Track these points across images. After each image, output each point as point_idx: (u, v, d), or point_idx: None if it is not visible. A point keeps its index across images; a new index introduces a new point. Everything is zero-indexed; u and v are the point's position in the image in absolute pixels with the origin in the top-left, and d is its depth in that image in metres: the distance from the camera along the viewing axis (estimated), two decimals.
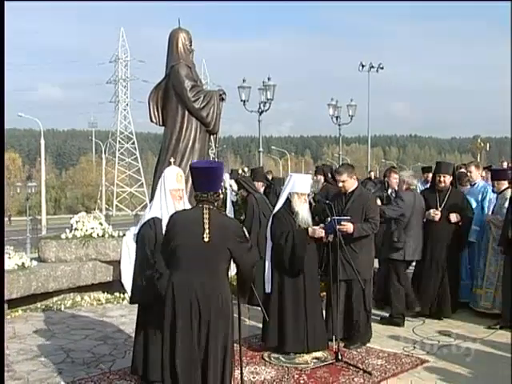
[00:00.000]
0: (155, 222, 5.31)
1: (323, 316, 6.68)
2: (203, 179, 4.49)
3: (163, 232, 5.20)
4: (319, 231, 6.37)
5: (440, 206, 7.95)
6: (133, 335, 7.13)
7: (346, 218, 6.55)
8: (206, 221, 4.40)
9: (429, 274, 8.00)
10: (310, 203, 7.08)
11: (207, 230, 4.36)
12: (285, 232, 6.36)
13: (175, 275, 4.40)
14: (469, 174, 8.90)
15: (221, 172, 4.70)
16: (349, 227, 6.62)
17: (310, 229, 6.35)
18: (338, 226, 6.37)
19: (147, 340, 5.39)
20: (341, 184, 6.99)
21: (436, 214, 7.90)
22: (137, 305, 5.67)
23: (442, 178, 8.01)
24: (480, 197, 8.62)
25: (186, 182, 6.46)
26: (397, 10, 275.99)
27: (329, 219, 6.54)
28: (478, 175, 8.97)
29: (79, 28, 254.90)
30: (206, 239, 4.34)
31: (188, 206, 5.47)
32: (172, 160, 9.35)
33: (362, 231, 6.78)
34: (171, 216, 4.67)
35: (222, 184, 9.60)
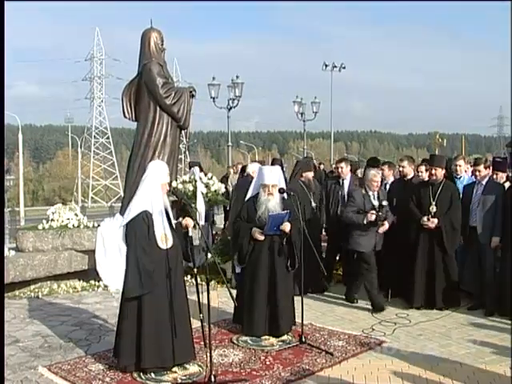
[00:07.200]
0: (147, 215, 5.16)
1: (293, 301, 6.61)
2: None
3: (154, 224, 5.15)
4: (259, 236, 6.27)
5: (433, 199, 7.65)
6: (108, 321, 7.15)
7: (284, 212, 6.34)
8: None
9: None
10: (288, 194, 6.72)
11: None
12: (237, 222, 6.50)
13: None
14: (458, 167, 8.48)
15: None
16: None
17: (253, 229, 6.30)
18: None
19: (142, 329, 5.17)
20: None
21: (432, 221, 7.57)
22: (113, 293, 5.52)
23: (433, 171, 7.70)
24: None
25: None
26: (359, 15, 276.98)
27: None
28: (464, 169, 8.59)
29: (55, 27, 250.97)
30: None
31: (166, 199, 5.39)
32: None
33: None
34: None
35: (192, 176, 9.57)
